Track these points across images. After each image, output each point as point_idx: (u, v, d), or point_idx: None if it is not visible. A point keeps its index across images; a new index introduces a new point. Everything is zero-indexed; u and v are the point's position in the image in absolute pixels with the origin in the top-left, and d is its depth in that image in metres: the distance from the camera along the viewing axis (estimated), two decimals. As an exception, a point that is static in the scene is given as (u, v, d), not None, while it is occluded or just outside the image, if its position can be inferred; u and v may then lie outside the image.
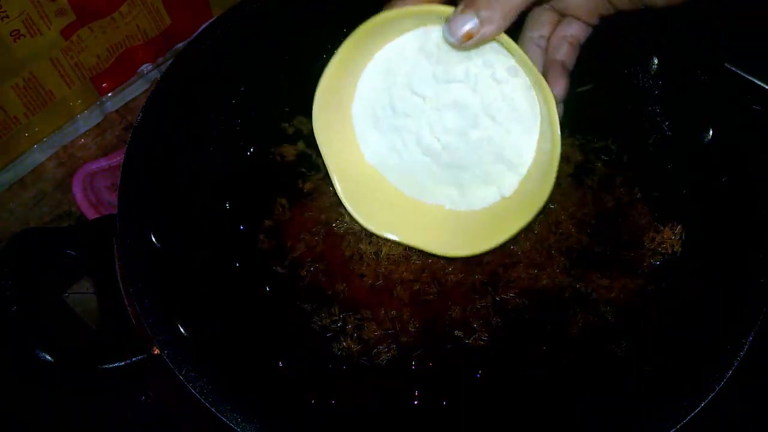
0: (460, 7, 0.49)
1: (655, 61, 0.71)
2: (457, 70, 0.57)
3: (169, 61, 0.70)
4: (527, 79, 0.55)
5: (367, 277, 0.68)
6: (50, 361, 0.56)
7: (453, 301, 0.66)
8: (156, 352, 0.55)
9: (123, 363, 0.57)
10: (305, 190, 0.73)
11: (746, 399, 0.65)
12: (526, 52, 0.56)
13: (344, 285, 0.68)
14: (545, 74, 0.58)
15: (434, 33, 0.56)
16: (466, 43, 0.49)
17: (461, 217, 0.65)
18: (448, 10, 0.50)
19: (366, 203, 0.65)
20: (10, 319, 0.58)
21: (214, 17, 0.78)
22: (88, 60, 0.81)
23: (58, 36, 0.76)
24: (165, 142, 0.64)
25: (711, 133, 0.66)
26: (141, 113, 0.62)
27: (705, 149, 0.67)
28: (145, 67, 0.88)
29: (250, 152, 0.75)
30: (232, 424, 0.50)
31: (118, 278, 0.58)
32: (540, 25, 0.58)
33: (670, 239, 0.68)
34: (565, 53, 0.57)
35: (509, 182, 0.61)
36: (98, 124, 0.87)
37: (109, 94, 0.87)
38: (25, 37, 0.72)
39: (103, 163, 0.82)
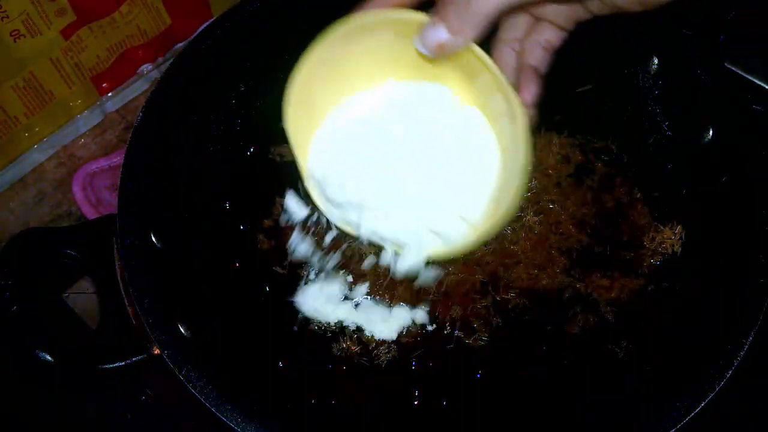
0: (431, 19, 0.49)
1: (655, 61, 0.71)
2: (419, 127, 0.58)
3: (169, 61, 0.70)
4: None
5: (369, 276, 0.68)
6: (50, 361, 0.56)
7: (453, 301, 0.66)
8: (156, 352, 0.55)
9: (123, 363, 0.57)
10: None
11: (746, 399, 0.65)
12: (499, 55, 0.56)
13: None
14: (517, 78, 0.57)
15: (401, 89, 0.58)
16: (438, 54, 0.50)
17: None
18: (421, 18, 0.50)
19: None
20: (10, 319, 0.58)
21: (214, 17, 0.78)
22: (88, 60, 0.81)
23: (58, 36, 0.76)
24: (165, 142, 0.64)
25: (711, 133, 0.66)
26: (141, 113, 0.62)
27: (705, 149, 0.67)
28: (145, 67, 0.88)
29: (250, 152, 0.75)
30: (232, 424, 0.50)
31: (118, 278, 0.58)
32: (514, 29, 0.57)
33: (670, 239, 0.68)
34: (538, 58, 0.56)
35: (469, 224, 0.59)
36: (98, 124, 0.87)
37: (109, 94, 0.87)
38: (25, 37, 0.72)
39: (103, 163, 0.82)
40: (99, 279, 0.62)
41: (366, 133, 0.60)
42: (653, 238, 0.69)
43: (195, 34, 0.69)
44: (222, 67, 0.71)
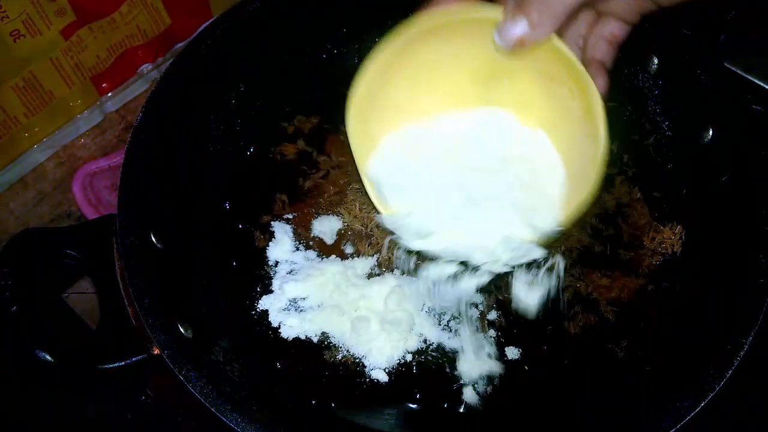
0: (509, 12, 0.49)
1: (655, 61, 0.71)
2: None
3: (169, 61, 0.69)
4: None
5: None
6: (50, 361, 0.56)
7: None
8: (156, 352, 0.55)
9: (123, 363, 0.57)
10: (305, 188, 0.73)
11: (746, 399, 0.65)
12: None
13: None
14: None
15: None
16: (517, 48, 0.49)
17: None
18: (495, 14, 0.50)
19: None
20: (10, 319, 0.58)
21: (214, 17, 0.78)
22: (88, 60, 0.81)
23: (58, 36, 0.76)
24: (165, 142, 0.64)
25: (711, 133, 0.66)
26: (141, 113, 0.62)
27: (705, 149, 0.67)
28: (145, 67, 0.88)
29: (250, 152, 0.75)
30: (232, 424, 0.50)
31: (118, 278, 0.58)
32: (578, 25, 0.57)
33: (670, 239, 0.68)
34: (603, 52, 0.56)
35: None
36: (98, 124, 0.87)
37: (109, 94, 0.87)
38: (25, 37, 0.72)
39: (103, 163, 0.82)
40: (99, 279, 0.62)
41: (431, 151, 0.60)
42: (653, 238, 0.69)
43: (195, 34, 0.69)
44: (222, 67, 0.71)
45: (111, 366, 0.57)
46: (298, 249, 0.69)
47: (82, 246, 0.63)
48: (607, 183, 0.72)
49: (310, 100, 0.79)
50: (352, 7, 0.77)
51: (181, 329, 0.56)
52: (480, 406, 0.61)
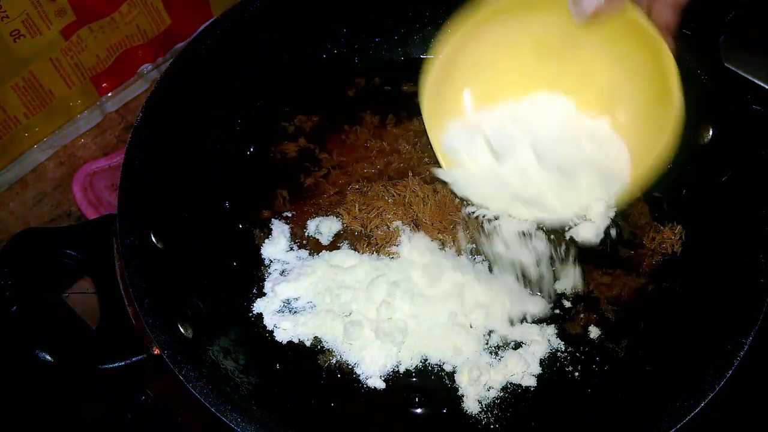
0: None
1: (655, 61, 0.71)
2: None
3: (169, 61, 0.69)
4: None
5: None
6: (50, 361, 0.56)
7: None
8: (156, 352, 0.55)
9: (123, 363, 0.57)
10: (306, 185, 0.73)
11: (746, 399, 0.65)
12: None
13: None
14: None
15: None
16: (592, 19, 0.52)
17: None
18: None
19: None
20: (10, 319, 0.58)
21: (214, 17, 0.78)
22: (88, 60, 0.81)
23: (58, 36, 0.76)
24: (165, 142, 0.64)
25: (711, 133, 0.66)
26: (141, 113, 0.62)
27: (705, 149, 0.66)
28: (145, 67, 0.88)
29: (249, 152, 0.75)
30: (232, 424, 0.50)
31: (118, 278, 0.58)
32: None
33: (670, 239, 0.68)
34: (668, 16, 0.58)
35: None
36: (98, 124, 0.87)
37: (109, 94, 0.87)
38: (25, 37, 0.72)
39: (103, 163, 0.82)
40: (99, 279, 0.62)
41: (498, 123, 0.65)
42: (653, 238, 0.69)
43: (195, 34, 0.69)
44: (222, 67, 0.71)
45: (111, 366, 0.57)
46: (291, 249, 0.69)
47: (82, 246, 0.63)
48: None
49: (310, 100, 0.79)
50: (352, 7, 0.77)
51: (181, 329, 0.56)
52: (480, 407, 0.61)
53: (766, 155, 0.62)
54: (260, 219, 0.71)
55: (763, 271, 0.57)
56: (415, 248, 0.67)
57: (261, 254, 0.69)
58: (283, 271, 0.68)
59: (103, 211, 0.78)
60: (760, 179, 0.61)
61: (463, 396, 0.61)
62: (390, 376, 0.62)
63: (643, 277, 0.67)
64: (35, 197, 0.83)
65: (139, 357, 0.57)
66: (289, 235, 0.70)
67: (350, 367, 0.63)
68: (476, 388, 0.61)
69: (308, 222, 0.71)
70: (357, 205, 0.71)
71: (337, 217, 0.71)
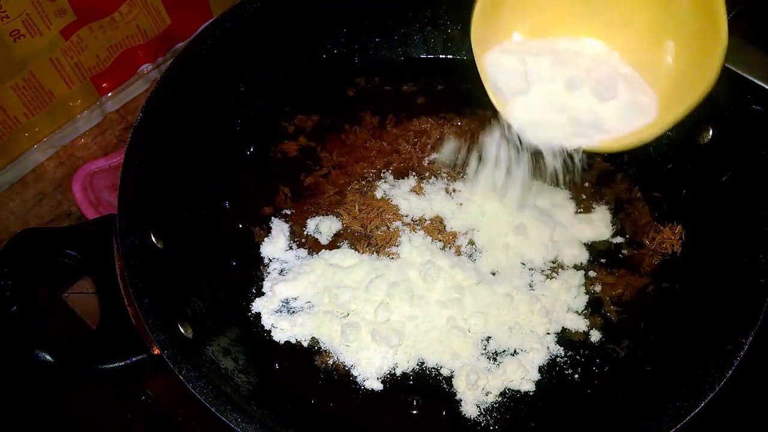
0: None
1: (655, 61, 0.71)
2: None
3: (169, 61, 0.69)
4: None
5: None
6: (50, 361, 0.56)
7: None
8: (156, 352, 0.55)
9: (123, 363, 0.57)
10: (306, 184, 0.73)
11: (746, 399, 0.65)
12: None
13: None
14: None
15: None
16: None
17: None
18: None
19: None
20: (10, 319, 0.58)
21: (214, 17, 0.78)
22: (88, 60, 0.81)
23: (58, 36, 0.76)
24: (165, 142, 0.64)
25: (711, 133, 0.66)
26: (141, 113, 0.62)
27: (705, 149, 0.67)
28: (145, 67, 0.88)
29: (250, 152, 0.76)
30: (232, 424, 0.50)
31: (118, 278, 0.58)
32: None
33: (670, 239, 0.68)
34: None
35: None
36: (98, 124, 0.87)
37: (109, 94, 0.87)
38: (25, 37, 0.72)
39: (103, 163, 0.82)
40: (99, 279, 0.62)
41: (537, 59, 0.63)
42: (653, 238, 0.69)
43: (195, 34, 0.69)
44: (222, 67, 0.71)
45: (111, 366, 0.57)
46: (291, 248, 0.69)
47: (82, 246, 0.63)
48: (607, 178, 0.73)
49: (310, 100, 0.79)
50: (352, 7, 0.77)
51: (181, 329, 0.56)
52: (478, 411, 0.61)
53: (766, 155, 0.62)
54: (261, 216, 0.71)
55: (763, 271, 0.57)
56: (415, 248, 0.67)
57: (260, 253, 0.69)
58: (282, 271, 0.68)
59: (103, 211, 0.78)
60: (760, 179, 0.61)
61: (461, 400, 0.61)
62: (387, 378, 0.62)
63: (643, 277, 0.67)
64: (35, 197, 0.83)
65: (139, 357, 0.57)
66: (288, 233, 0.70)
67: (347, 368, 0.62)
68: (474, 392, 0.61)
69: (308, 221, 0.71)
70: (357, 205, 0.71)
71: (337, 216, 0.71)
